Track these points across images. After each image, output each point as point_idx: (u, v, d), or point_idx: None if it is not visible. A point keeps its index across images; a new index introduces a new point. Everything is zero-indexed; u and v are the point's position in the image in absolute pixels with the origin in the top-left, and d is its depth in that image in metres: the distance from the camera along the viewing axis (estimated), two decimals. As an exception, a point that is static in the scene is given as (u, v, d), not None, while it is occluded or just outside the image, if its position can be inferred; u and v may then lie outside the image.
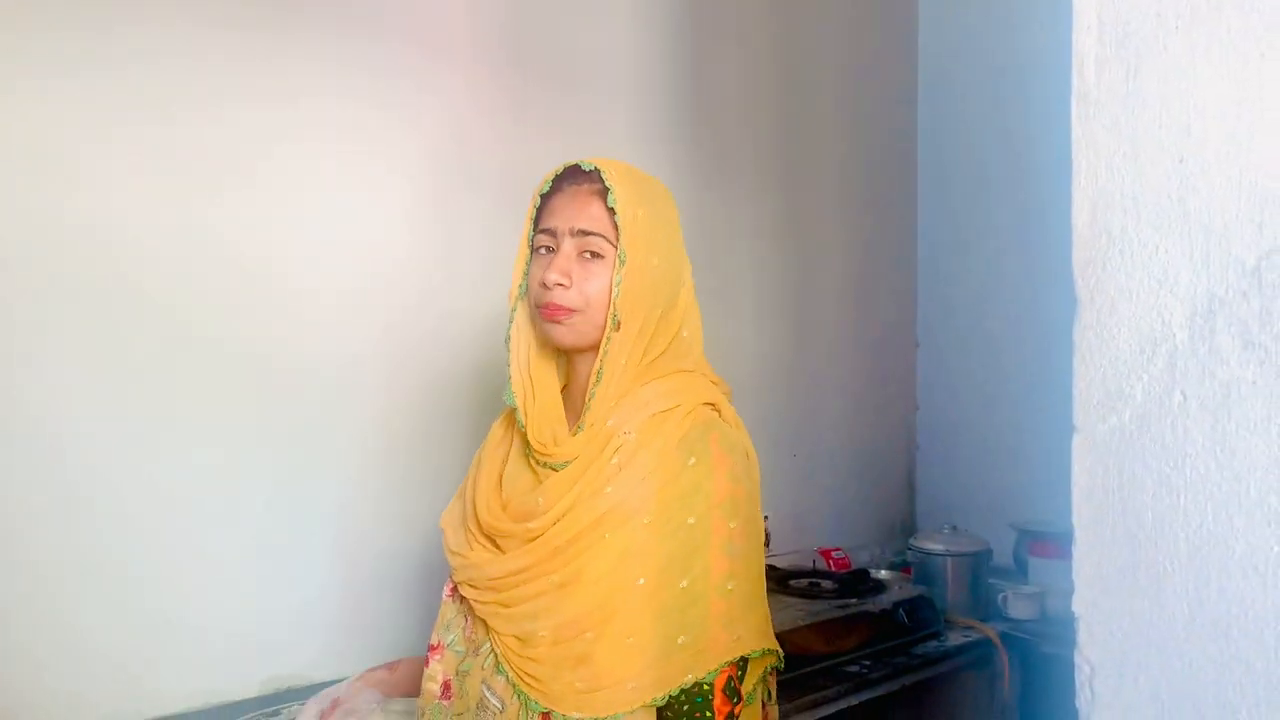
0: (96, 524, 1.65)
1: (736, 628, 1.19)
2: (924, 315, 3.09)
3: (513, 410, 1.33)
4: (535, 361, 1.33)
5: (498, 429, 1.40)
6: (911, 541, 2.52)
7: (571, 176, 1.30)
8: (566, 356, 1.34)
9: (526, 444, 1.30)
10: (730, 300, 2.63)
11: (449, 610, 1.34)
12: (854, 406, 2.92)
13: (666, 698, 1.16)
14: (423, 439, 2.05)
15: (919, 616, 2.20)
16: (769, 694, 1.31)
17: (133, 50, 1.68)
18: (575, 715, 1.16)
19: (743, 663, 1.22)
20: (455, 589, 1.33)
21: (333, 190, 1.91)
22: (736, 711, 1.19)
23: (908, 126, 3.13)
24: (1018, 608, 2.35)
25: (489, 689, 1.24)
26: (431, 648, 1.34)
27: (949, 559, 2.40)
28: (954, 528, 2.49)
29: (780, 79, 2.74)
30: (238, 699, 1.76)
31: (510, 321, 1.33)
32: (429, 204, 2.05)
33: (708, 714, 1.17)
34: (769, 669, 1.29)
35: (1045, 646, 2.26)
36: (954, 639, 2.24)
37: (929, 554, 2.42)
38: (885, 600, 2.18)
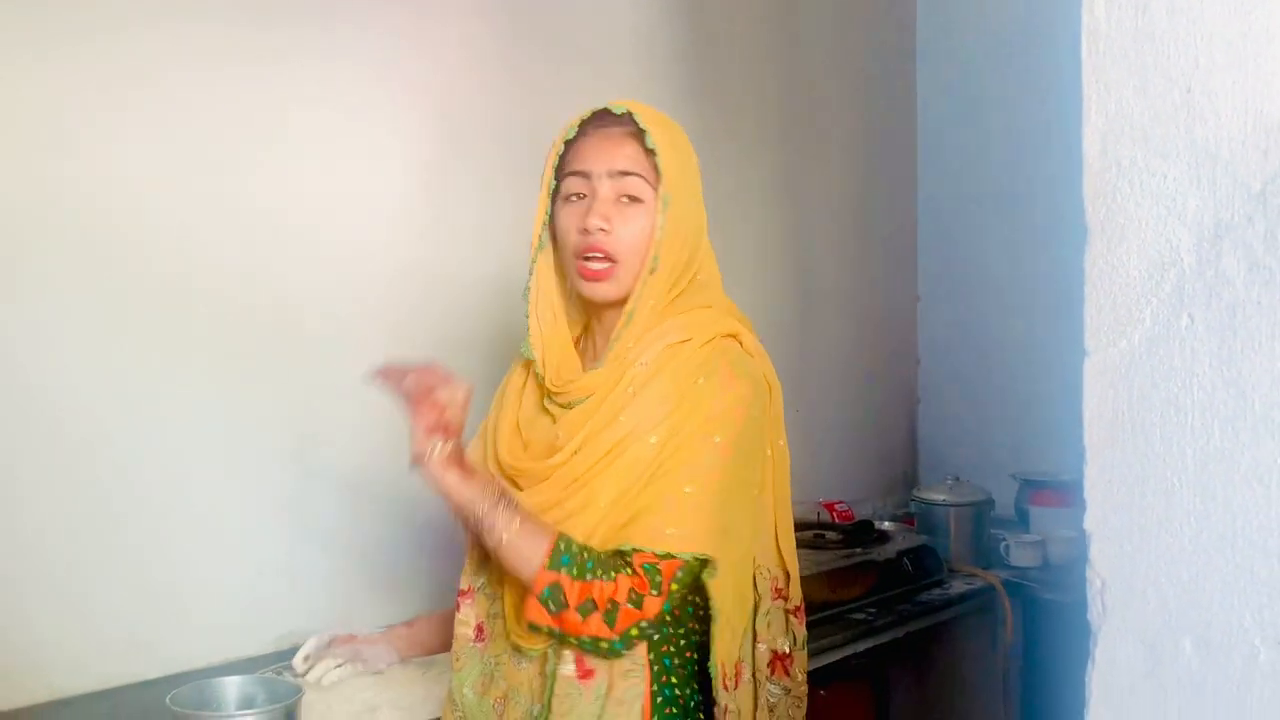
0: (101, 484, 1.67)
1: (681, 527, 1.19)
2: (924, 269, 3.10)
3: (529, 360, 1.35)
4: (556, 310, 1.34)
5: (516, 376, 1.42)
6: (914, 493, 2.55)
7: (600, 120, 1.31)
8: (590, 306, 1.35)
9: (543, 392, 1.33)
10: (730, 257, 2.62)
11: (477, 554, 1.35)
12: (855, 361, 2.94)
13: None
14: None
15: (923, 565, 2.23)
16: (794, 639, 1.33)
17: (127, 17, 1.68)
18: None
19: (699, 566, 1.21)
20: None
21: (328, 152, 1.91)
22: (647, 595, 1.18)
23: (906, 80, 3.12)
24: (1020, 555, 2.39)
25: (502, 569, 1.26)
26: (461, 593, 1.36)
27: (951, 509, 2.43)
28: (956, 479, 2.52)
29: (780, 35, 2.74)
30: (252, 655, 1.78)
31: (531, 273, 1.33)
32: (424, 165, 2.05)
33: (625, 570, 1.19)
34: (787, 611, 1.32)
35: (1046, 593, 2.30)
36: (957, 587, 2.28)
37: (932, 504, 2.46)
38: (889, 550, 2.22)
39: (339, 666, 1.52)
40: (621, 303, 1.30)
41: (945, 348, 3.06)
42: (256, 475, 1.84)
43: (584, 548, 1.20)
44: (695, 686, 1.27)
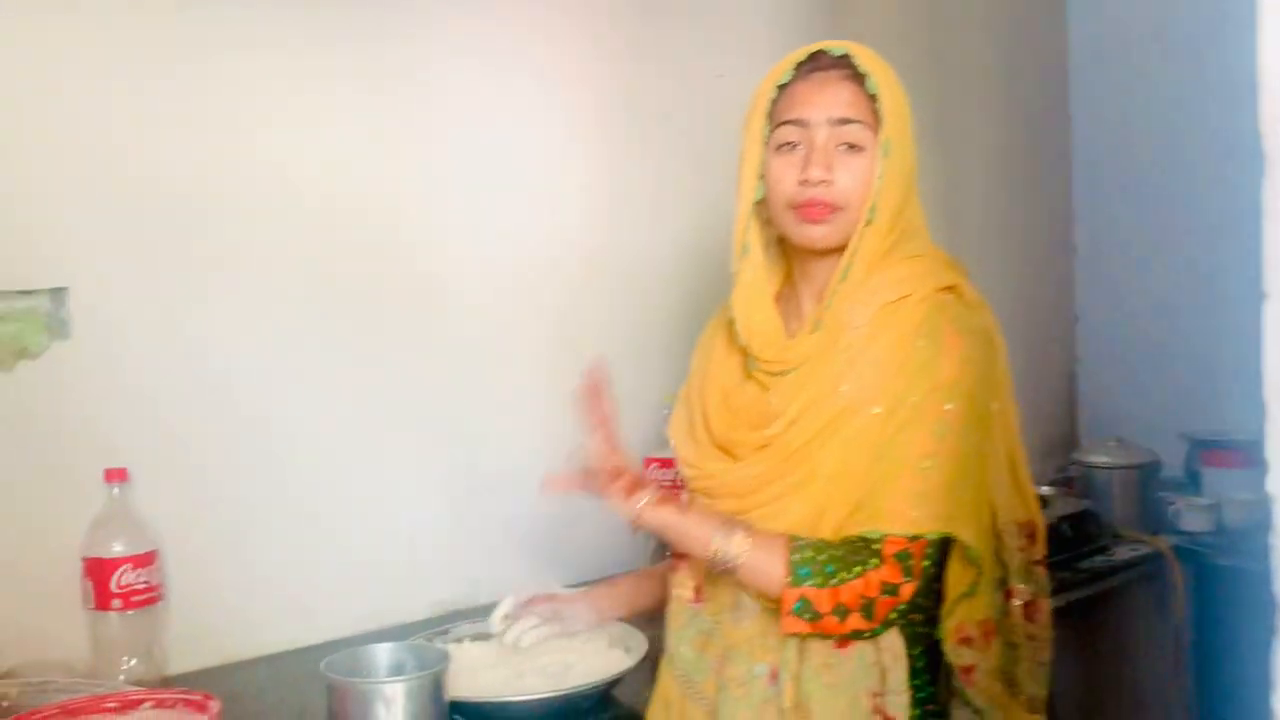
0: (271, 458, 1.74)
1: (926, 506, 1.17)
2: (1081, 220, 2.93)
3: (728, 324, 1.33)
4: (758, 271, 1.31)
5: (718, 340, 1.38)
6: (1075, 456, 2.44)
7: (816, 62, 1.26)
8: (796, 258, 1.32)
9: (746, 357, 1.30)
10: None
11: None
12: (1007, 321, 2.79)
13: (842, 539, 1.18)
14: (576, 367, 2.08)
15: (1084, 531, 2.14)
16: (1039, 587, 1.28)
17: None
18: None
19: (942, 545, 1.19)
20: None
21: (463, 137, 1.94)
22: (902, 583, 1.17)
23: (1056, 22, 2.95)
24: (1191, 520, 2.26)
25: (743, 589, 1.26)
26: (679, 556, 1.35)
27: (1115, 472, 2.33)
28: (1119, 440, 2.40)
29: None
30: (407, 622, 1.83)
31: (747, 227, 1.29)
32: (561, 144, 2.07)
33: (872, 563, 1.16)
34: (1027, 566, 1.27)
35: (1221, 559, 2.17)
36: (1122, 553, 2.17)
37: (1094, 468, 2.35)
38: (1049, 515, 2.10)
39: (536, 628, 1.50)
40: (833, 254, 1.26)
41: (1105, 302, 2.90)
42: (413, 447, 1.90)
43: (817, 549, 1.18)
44: (921, 649, 1.24)
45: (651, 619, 1.51)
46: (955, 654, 1.21)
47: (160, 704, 1.18)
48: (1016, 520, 1.26)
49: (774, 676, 1.23)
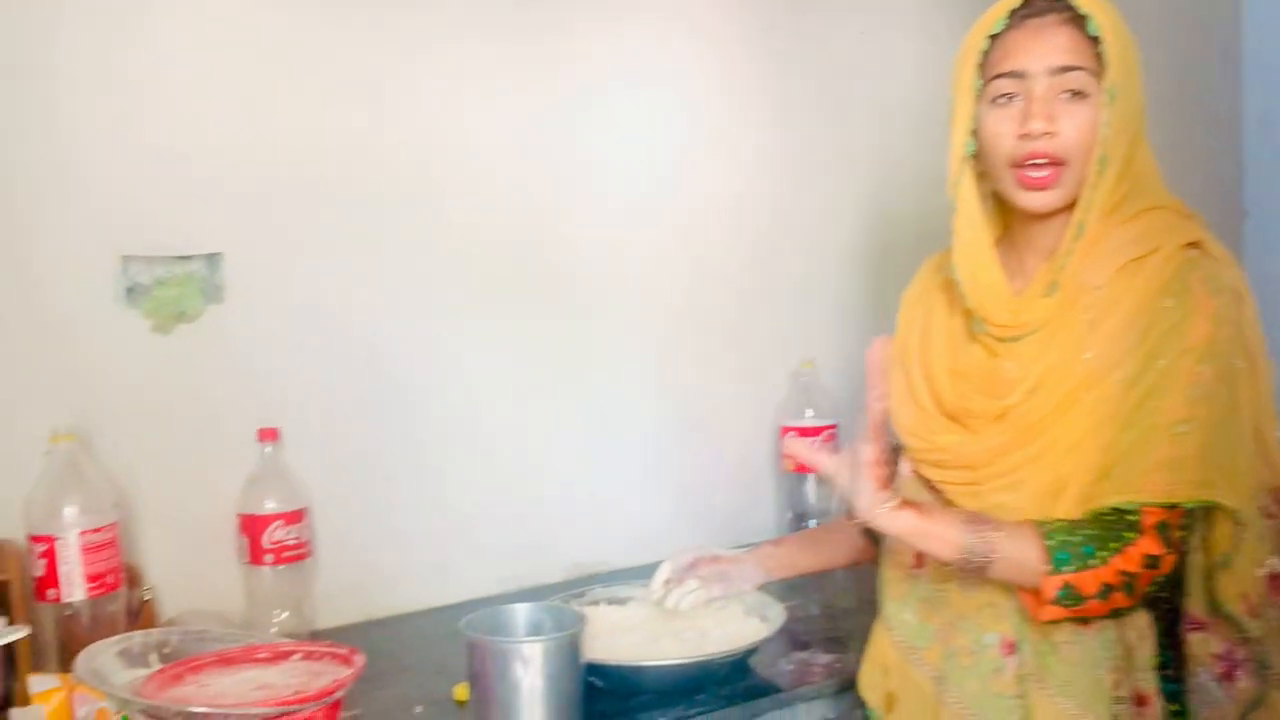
0: (412, 420, 1.78)
1: (1184, 473, 1.10)
2: (1253, 179, 2.75)
3: (946, 282, 1.28)
4: (978, 230, 1.24)
5: (935, 296, 1.32)
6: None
7: (1030, 7, 1.19)
8: (1017, 213, 1.24)
9: (969, 319, 1.25)
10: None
11: (910, 486, 1.27)
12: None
13: (1093, 514, 1.12)
14: (720, 335, 2.07)
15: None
16: None
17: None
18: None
19: (1199, 513, 1.12)
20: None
21: (611, 111, 1.95)
22: (1164, 555, 1.10)
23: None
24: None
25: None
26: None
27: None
28: (1293, 415, 2.23)
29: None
30: (543, 583, 1.85)
31: (957, 183, 1.24)
32: (701, 125, 2.06)
33: (1129, 536, 1.10)
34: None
35: None
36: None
37: (1263, 443, 2.19)
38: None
39: (695, 591, 1.46)
40: (1058, 212, 1.19)
41: (1278, 267, 2.71)
42: (554, 414, 1.92)
43: (1069, 530, 1.12)
44: (1157, 614, 1.18)
45: (816, 578, 1.51)
46: (1246, 623, 1.14)
47: (309, 656, 1.21)
48: (1264, 486, 1.17)
49: (1008, 647, 1.18)
